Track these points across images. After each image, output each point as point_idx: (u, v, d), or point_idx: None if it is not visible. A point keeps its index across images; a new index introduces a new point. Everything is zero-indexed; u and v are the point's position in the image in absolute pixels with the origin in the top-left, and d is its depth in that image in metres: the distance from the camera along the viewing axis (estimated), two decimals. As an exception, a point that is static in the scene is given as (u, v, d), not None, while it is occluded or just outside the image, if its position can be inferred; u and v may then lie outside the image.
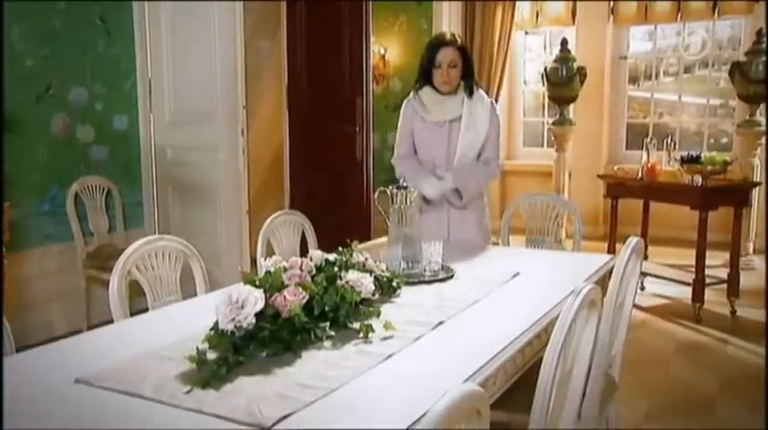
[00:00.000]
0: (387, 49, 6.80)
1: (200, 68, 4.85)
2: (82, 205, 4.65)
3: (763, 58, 5.89)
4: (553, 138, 7.12)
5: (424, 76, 3.20)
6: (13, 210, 3.91)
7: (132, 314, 2.35)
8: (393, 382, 1.65)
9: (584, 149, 7.64)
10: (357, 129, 6.17)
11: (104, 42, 4.81)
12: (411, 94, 3.32)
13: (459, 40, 3.20)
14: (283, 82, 6.41)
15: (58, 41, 4.50)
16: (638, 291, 3.98)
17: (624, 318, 2.38)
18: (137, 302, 2.50)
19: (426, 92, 3.23)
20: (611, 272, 2.78)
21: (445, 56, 3.11)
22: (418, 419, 1.39)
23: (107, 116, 4.87)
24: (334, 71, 6.22)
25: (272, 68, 6.43)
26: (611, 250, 5.39)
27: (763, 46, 5.96)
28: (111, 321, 2.26)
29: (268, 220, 3.07)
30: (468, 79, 3.19)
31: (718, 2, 7.21)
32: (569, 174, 7.11)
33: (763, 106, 6.08)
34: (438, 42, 3.17)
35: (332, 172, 6.28)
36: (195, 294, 2.59)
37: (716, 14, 7.29)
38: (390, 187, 2.64)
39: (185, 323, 2.09)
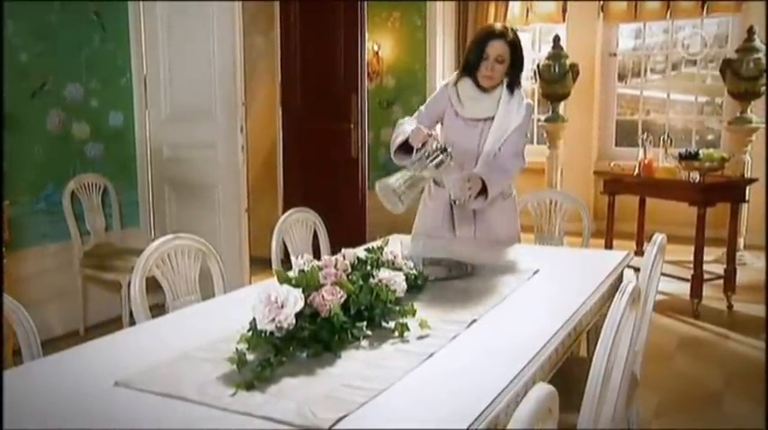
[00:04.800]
0: (380, 45, 6.78)
1: (197, 65, 4.78)
2: (78, 203, 4.57)
3: (755, 56, 5.95)
4: (545, 134, 7.14)
5: (467, 67, 2.99)
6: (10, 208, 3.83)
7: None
8: (440, 381, 1.63)
9: (576, 146, 7.68)
10: (352, 125, 6.15)
11: (100, 38, 4.73)
12: (453, 77, 3.09)
13: (511, 33, 2.94)
14: (277, 79, 6.35)
15: (53, 37, 4.41)
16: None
17: (647, 315, 2.39)
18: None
19: (465, 85, 3.01)
20: (624, 268, 2.84)
21: (494, 49, 2.89)
22: (476, 418, 1.38)
23: (102, 113, 4.79)
24: (329, 68, 6.18)
25: (266, 65, 6.37)
26: (609, 246, 5.43)
27: (754, 43, 6.02)
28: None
29: (281, 218, 3.04)
30: (513, 76, 2.99)
31: (707, 0, 7.28)
32: (561, 171, 7.14)
33: (753, 103, 6.14)
34: (488, 34, 2.93)
35: (326, 169, 6.25)
36: (211, 293, 2.56)
37: (704, 12, 7.36)
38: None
39: (213, 323, 2.07)
